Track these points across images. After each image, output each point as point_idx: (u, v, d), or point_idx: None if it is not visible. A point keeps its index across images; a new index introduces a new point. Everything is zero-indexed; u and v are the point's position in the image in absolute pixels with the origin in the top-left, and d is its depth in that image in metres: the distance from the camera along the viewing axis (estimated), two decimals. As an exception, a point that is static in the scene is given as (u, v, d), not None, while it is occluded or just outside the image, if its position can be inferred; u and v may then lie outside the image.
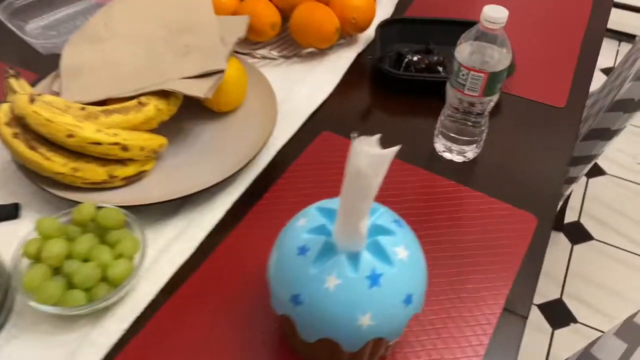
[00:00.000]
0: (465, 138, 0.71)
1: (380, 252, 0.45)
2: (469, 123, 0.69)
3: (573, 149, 0.76)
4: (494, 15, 0.60)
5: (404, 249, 0.46)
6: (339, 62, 0.87)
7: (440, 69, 0.83)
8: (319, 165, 0.72)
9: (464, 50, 0.64)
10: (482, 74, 0.63)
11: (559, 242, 1.62)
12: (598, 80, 2.07)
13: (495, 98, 0.67)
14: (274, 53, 0.86)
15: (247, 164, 0.67)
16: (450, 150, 0.72)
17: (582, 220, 1.67)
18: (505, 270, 0.61)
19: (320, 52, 0.88)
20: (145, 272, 0.59)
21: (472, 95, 0.65)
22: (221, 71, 0.69)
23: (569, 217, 1.68)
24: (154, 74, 0.69)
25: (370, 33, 0.92)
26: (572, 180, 1.02)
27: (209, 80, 0.68)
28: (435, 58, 0.83)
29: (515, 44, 0.89)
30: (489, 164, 0.73)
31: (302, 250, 0.46)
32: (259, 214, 0.66)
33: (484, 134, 0.71)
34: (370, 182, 0.38)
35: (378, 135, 0.36)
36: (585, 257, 1.58)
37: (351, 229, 0.43)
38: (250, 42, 0.88)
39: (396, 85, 0.83)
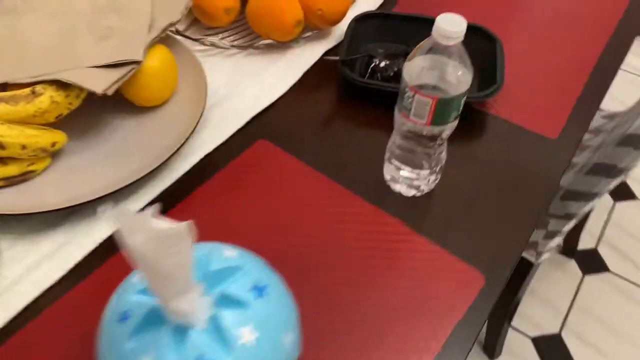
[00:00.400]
0: (416, 170, 0.59)
1: (218, 332, 0.35)
2: (422, 151, 0.57)
3: (554, 194, 0.63)
4: (448, 28, 0.48)
5: (252, 329, 0.36)
6: (301, 59, 0.75)
7: (414, 78, 0.71)
8: (244, 181, 0.62)
9: (414, 67, 0.52)
10: (429, 99, 0.51)
11: (568, 270, 1.47)
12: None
13: (450, 127, 0.55)
14: (225, 42, 0.75)
15: (153, 170, 0.58)
16: (397, 181, 0.61)
17: (599, 248, 1.51)
18: (429, 340, 0.50)
19: (282, 45, 0.77)
20: (-1, 294, 0.51)
21: (417, 123, 0.53)
22: (136, 62, 0.60)
23: (585, 243, 1.52)
24: (62, 59, 0.60)
25: (345, 27, 0.79)
26: (570, 216, 0.88)
27: (118, 72, 0.58)
28: (408, 65, 0.70)
29: (512, 54, 0.75)
30: (446, 201, 0.61)
31: (124, 317, 0.36)
32: (156, 235, 0.57)
33: (441, 165, 0.59)
34: (161, 264, 0.28)
35: (155, 206, 0.26)
36: (596, 290, 1.43)
37: (166, 307, 0.33)
38: (204, 27, 0.77)
39: (362, 93, 0.72)
